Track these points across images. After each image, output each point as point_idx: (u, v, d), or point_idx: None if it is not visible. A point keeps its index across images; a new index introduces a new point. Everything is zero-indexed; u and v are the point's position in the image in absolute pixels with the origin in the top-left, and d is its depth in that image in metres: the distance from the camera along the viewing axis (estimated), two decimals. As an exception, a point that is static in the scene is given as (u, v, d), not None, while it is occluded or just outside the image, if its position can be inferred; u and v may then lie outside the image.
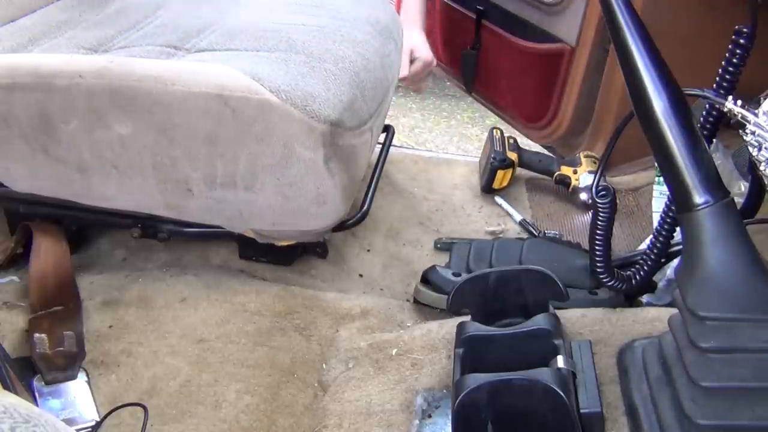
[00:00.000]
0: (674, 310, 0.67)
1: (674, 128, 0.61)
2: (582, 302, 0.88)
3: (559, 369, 0.66)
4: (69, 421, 0.80)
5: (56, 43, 1.01)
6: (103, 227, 1.13)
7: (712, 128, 0.80)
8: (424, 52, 1.46)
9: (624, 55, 0.62)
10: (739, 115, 0.62)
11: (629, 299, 0.94)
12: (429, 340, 0.84)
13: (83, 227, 1.11)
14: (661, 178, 1.14)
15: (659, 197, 1.14)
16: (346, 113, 0.87)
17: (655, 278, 0.91)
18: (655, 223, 0.97)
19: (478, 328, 0.72)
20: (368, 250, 1.16)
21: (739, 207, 0.69)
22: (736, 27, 0.73)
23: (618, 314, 0.82)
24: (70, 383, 0.84)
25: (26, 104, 0.86)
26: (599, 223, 0.78)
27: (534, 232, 1.21)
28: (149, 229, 1.02)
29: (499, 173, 1.28)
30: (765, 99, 0.62)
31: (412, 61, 1.43)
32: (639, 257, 0.90)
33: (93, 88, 0.84)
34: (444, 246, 1.16)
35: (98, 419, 0.80)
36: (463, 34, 1.68)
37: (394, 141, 1.35)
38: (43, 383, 0.84)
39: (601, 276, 0.82)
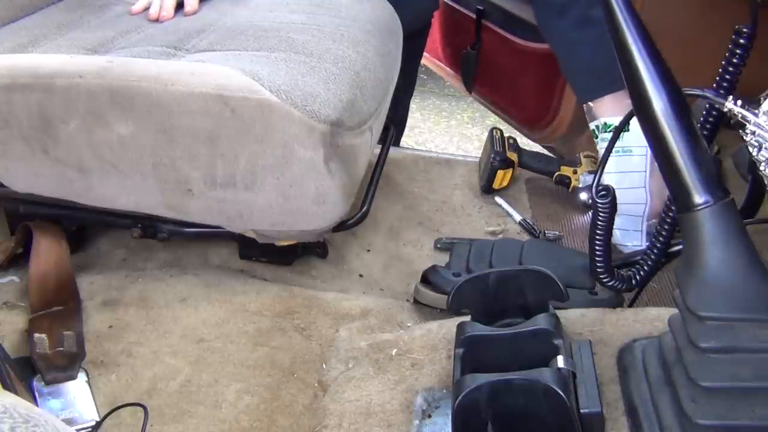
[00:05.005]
0: (674, 310, 0.67)
1: (674, 128, 0.61)
2: (582, 302, 0.88)
3: (559, 369, 0.66)
4: (69, 421, 0.80)
5: (57, 44, 1.01)
6: (103, 227, 1.13)
7: (712, 128, 0.80)
8: None
9: (624, 55, 0.62)
10: (739, 115, 0.62)
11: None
12: (429, 340, 0.84)
13: (83, 227, 1.11)
14: (604, 135, 1.15)
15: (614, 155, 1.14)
16: (346, 113, 0.87)
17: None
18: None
19: (478, 328, 0.72)
20: (368, 250, 1.16)
21: (739, 207, 0.69)
22: (736, 27, 0.73)
23: (618, 314, 0.82)
24: (70, 383, 0.84)
25: (26, 104, 0.86)
26: (599, 223, 0.78)
27: (534, 232, 1.21)
28: (149, 229, 1.02)
29: (499, 173, 1.28)
30: (765, 99, 0.62)
31: None
32: (639, 257, 0.90)
33: (93, 88, 0.84)
34: (444, 246, 1.16)
35: (98, 419, 0.80)
36: (463, 34, 1.69)
37: (394, 141, 1.36)
38: (43, 383, 0.84)
39: (601, 276, 0.82)
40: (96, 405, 0.82)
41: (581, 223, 1.24)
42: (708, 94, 0.65)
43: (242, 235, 0.97)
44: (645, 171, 1.11)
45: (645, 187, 1.11)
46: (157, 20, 1.11)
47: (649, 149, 1.10)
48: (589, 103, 1.17)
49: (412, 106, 1.81)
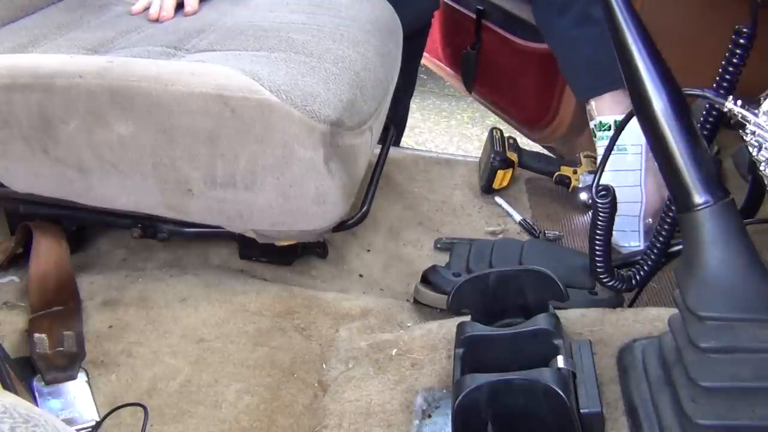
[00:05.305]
0: (674, 310, 0.67)
1: (674, 128, 0.61)
2: (582, 302, 0.88)
3: (559, 369, 0.66)
4: (69, 421, 0.80)
5: (57, 44, 1.01)
6: (103, 227, 1.13)
7: (712, 128, 0.80)
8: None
9: (624, 55, 0.62)
10: (739, 115, 0.62)
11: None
12: (429, 340, 0.84)
13: (83, 227, 1.11)
14: (601, 133, 1.15)
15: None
16: (346, 113, 0.87)
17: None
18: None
19: (478, 328, 0.72)
20: (368, 250, 1.16)
21: (739, 207, 0.69)
22: (736, 27, 0.73)
23: (618, 314, 0.82)
24: (70, 383, 0.84)
25: (26, 104, 0.86)
26: (599, 223, 0.78)
27: (534, 232, 1.21)
28: (149, 229, 1.02)
29: (499, 173, 1.28)
30: (765, 99, 0.62)
31: None
32: (639, 257, 0.90)
33: (93, 88, 0.84)
34: (444, 246, 1.16)
35: (98, 419, 0.80)
36: (463, 34, 1.69)
37: (394, 141, 1.35)
38: (43, 383, 0.84)
39: (601, 276, 0.82)
40: (96, 405, 0.82)
41: (581, 223, 1.24)
42: (708, 94, 0.65)
43: (242, 235, 0.97)
44: (640, 169, 1.11)
45: (640, 185, 1.11)
46: (157, 20, 1.11)
47: (643, 147, 1.11)
48: (591, 101, 1.17)
49: (412, 106, 1.81)
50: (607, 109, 1.15)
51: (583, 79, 1.20)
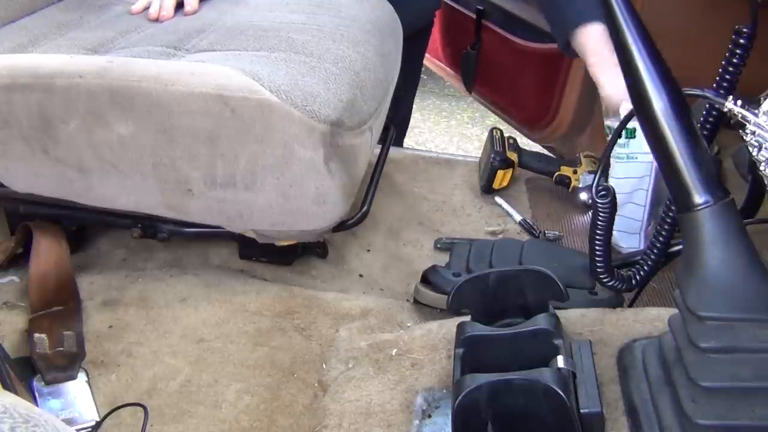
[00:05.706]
0: (674, 310, 0.67)
1: (674, 128, 0.61)
2: (582, 302, 0.88)
3: (559, 369, 0.66)
4: (69, 421, 0.80)
5: (57, 44, 1.01)
6: (103, 227, 1.13)
7: (712, 128, 0.80)
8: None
9: (624, 55, 0.62)
10: (739, 115, 0.62)
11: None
12: (429, 340, 0.84)
13: (83, 227, 1.11)
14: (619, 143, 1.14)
15: (621, 162, 1.11)
16: (346, 113, 0.87)
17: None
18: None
19: (478, 328, 0.72)
20: (368, 250, 1.16)
21: (739, 207, 0.69)
22: (736, 27, 0.73)
23: (618, 314, 0.82)
24: (70, 383, 0.84)
25: (26, 104, 0.86)
26: (599, 223, 0.78)
27: (534, 232, 1.21)
28: (149, 229, 1.02)
29: (499, 173, 1.28)
30: (765, 99, 0.62)
31: None
32: (639, 257, 0.90)
33: (93, 88, 0.84)
34: (444, 246, 1.16)
35: (98, 419, 0.80)
36: (464, 34, 1.69)
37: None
38: (43, 383, 0.84)
39: (601, 276, 0.82)
40: (96, 405, 0.82)
41: (581, 223, 1.24)
42: (708, 94, 0.65)
43: (242, 235, 0.97)
44: (648, 176, 1.11)
45: (647, 189, 1.11)
46: (157, 20, 1.11)
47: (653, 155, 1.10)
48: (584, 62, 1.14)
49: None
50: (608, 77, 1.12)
51: (574, 6, 1.16)
